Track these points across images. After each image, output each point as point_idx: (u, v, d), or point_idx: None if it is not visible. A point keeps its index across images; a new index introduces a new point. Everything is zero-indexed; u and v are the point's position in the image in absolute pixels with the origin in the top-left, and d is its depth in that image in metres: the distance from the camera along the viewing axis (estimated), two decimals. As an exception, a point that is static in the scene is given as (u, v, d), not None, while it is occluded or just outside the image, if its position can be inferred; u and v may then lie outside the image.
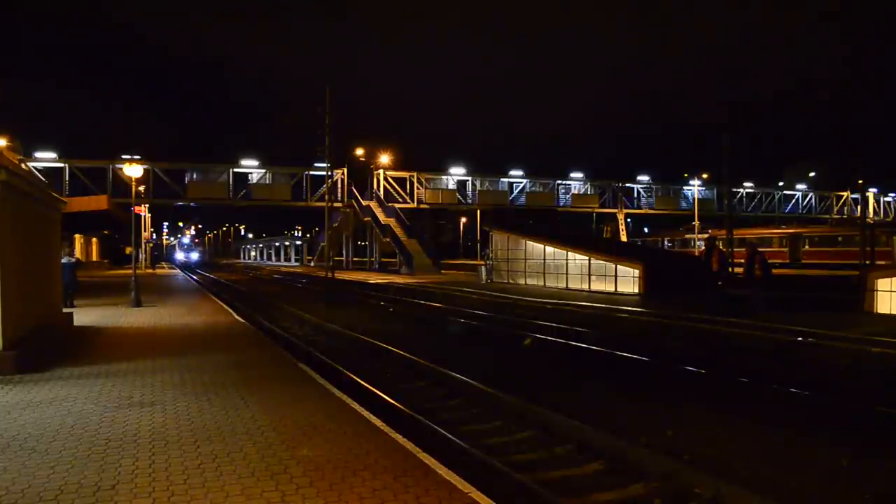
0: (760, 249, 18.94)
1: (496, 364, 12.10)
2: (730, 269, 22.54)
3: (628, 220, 67.17)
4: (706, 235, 42.30)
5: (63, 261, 17.96)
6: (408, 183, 56.84)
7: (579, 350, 13.15)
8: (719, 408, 8.48)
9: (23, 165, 29.57)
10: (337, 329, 16.25)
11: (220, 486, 4.79)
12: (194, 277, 47.99)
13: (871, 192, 69.67)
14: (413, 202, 56.36)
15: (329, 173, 37.46)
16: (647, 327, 15.80)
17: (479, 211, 61.13)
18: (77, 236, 48.88)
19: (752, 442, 7.11)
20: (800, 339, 12.58)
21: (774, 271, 20.52)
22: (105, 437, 6.05)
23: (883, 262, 27.44)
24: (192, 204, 59.37)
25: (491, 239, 33.27)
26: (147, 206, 55.47)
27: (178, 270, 62.84)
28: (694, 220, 55.62)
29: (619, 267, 23.60)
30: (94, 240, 65.47)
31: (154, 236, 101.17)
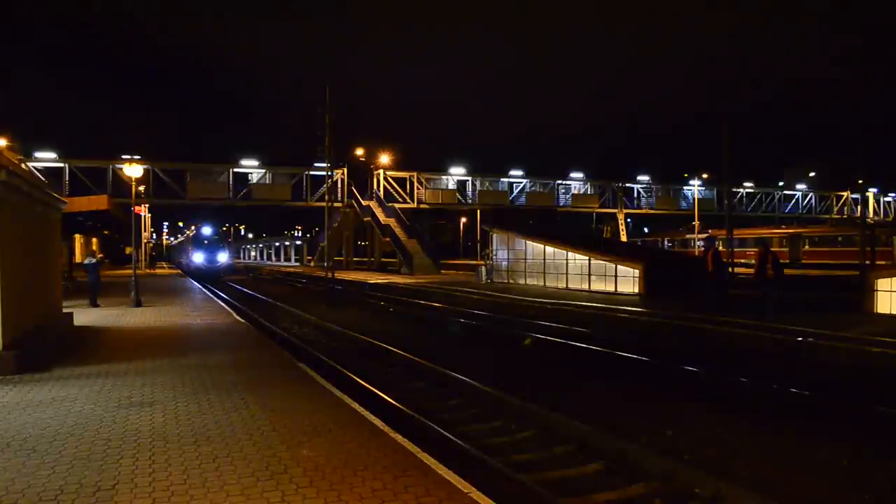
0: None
1: (496, 364, 12.09)
2: (729, 269, 22.50)
3: (628, 220, 67.21)
4: (706, 235, 42.30)
5: (85, 262, 19.53)
6: (408, 183, 56.83)
7: (579, 350, 13.14)
8: (719, 408, 8.48)
9: (23, 165, 29.56)
10: (337, 329, 16.27)
11: (220, 486, 4.80)
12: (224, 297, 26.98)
13: (871, 192, 69.66)
14: (413, 202, 56.34)
15: (329, 173, 37.39)
16: (647, 327, 15.80)
17: (479, 211, 61.12)
18: (77, 236, 48.83)
19: (753, 442, 7.11)
20: (799, 339, 12.58)
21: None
22: (105, 437, 6.05)
23: (883, 262, 27.42)
24: (192, 204, 59.30)
25: (491, 239, 33.25)
26: (147, 206, 55.45)
27: (186, 275, 46.88)
28: (694, 220, 55.64)
29: (619, 267, 23.59)
30: (95, 240, 65.52)
31: (154, 236, 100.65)
